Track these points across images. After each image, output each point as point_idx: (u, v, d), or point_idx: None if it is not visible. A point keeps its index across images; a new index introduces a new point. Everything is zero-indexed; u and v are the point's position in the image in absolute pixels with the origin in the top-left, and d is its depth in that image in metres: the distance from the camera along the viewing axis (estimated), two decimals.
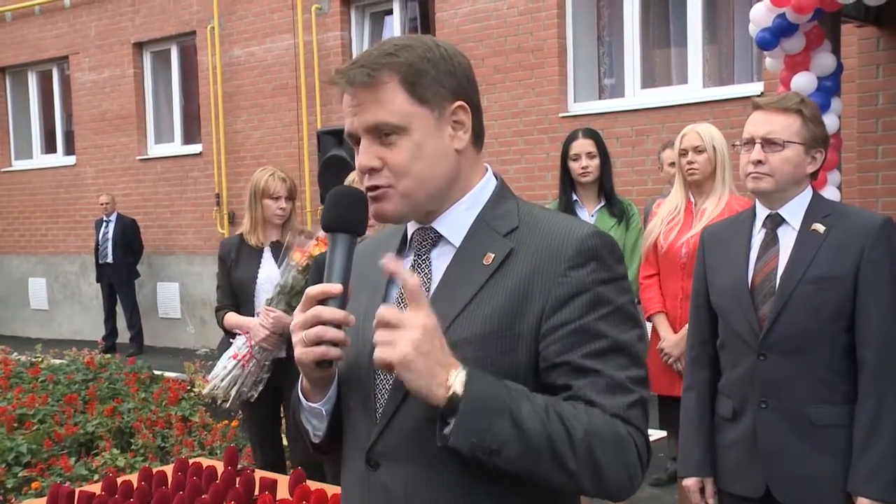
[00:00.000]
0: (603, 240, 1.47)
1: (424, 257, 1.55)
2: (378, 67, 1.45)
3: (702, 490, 2.70)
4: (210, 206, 11.62)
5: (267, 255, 4.60)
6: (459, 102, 1.50)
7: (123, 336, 11.73)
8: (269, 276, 4.52)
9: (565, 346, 1.42)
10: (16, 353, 9.98)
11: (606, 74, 8.98)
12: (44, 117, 14.22)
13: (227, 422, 6.63)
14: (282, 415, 4.72)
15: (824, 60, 5.27)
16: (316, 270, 4.09)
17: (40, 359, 9.30)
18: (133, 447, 6.12)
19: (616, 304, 1.45)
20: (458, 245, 1.52)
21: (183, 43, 12.10)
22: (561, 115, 8.62)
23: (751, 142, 2.59)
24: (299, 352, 1.42)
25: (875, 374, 2.38)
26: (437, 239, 1.55)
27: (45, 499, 3.08)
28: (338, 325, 1.42)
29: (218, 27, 11.20)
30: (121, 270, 11.59)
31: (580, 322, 1.42)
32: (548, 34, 8.71)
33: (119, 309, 11.79)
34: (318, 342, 1.40)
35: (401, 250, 1.60)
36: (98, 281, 11.80)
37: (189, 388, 7.95)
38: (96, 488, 3.13)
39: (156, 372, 8.31)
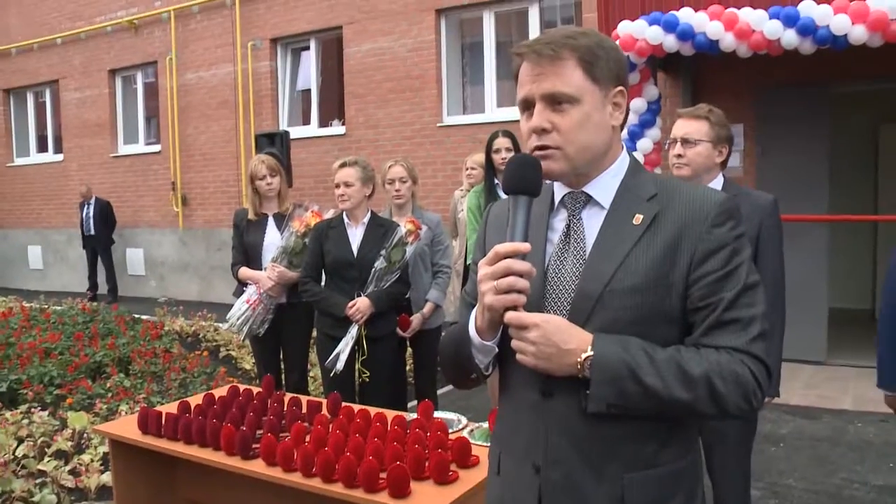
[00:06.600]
0: (734, 203, 1.51)
1: (577, 216, 1.57)
2: (561, 46, 1.50)
3: None
4: (167, 192, 12.13)
5: (270, 224, 4.70)
6: (620, 87, 1.54)
7: (101, 289, 12.41)
8: (272, 240, 4.65)
9: (709, 291, 1.47)
10: (25, 302, 10.53)
11: (469, 96, 9.72)
12: (38, 126, 14.53)
13: (198, 352, 6.92)
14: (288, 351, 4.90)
15: (650, 91, 6.16)
16: (315, 235, 4.18)
17: (47, 306, 9.67)
18: (132, 372, 6.31)
19: (746, 254, 1.50)
20: (606, 207, 1.55)
21: (147, 69, 12.68)
22: (438, 125, 9.37)
23: (674, 141, 2.83)
24: (491, 299, 1.44)
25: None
26: (587, 201, 1.57)
27: (135, 416, 3.07)
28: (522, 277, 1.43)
29: (175, 58, 11.78)
30: (101, 239, 12.13)
31: (723, 271, 1.47)
32: (428, 66, 9.41)
33: (99, 268, 12.29)
34: (510, 291, 1.42)
35: (550, 210, 1.62)
36: (84, 248, 12.34)
37: (163, 327, 8.18)
38: (171, 408, 3.13)
39: (134, 315, 8.67)
